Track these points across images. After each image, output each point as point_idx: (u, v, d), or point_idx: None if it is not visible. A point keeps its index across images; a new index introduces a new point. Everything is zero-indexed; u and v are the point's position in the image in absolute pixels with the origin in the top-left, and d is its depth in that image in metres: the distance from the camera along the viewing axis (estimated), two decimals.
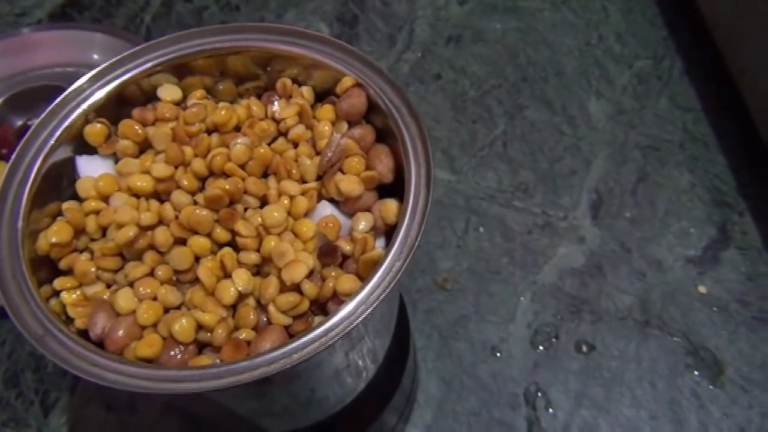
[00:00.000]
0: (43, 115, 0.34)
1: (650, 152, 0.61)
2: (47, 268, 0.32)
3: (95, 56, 0.66)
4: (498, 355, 0.52)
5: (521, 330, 0.53)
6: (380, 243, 0.33)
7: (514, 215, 0.58)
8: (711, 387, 0.50)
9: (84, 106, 0.34)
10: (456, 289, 0.55)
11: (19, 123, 0.62)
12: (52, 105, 0.34)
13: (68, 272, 0.32)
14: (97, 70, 0.35)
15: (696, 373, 0.50)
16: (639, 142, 0.61)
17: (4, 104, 0.61)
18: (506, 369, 0.51)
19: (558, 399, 0.50)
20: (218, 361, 0.29)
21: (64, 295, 0.31)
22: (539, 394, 0.50)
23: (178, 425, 0.49)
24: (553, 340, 0.52)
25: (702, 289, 0.54)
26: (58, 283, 0.31)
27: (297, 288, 0.30)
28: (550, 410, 0.49)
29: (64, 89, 0.60)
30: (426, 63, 0.68)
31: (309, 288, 0.30)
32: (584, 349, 0.52)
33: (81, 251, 0.33)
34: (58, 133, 0.34)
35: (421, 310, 0.54)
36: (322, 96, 0.37)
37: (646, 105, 0.64)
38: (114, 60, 0.35)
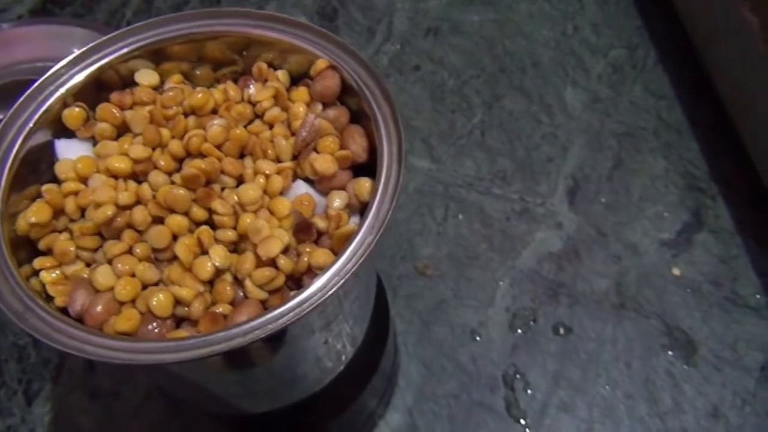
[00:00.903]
0: (21, 99, 0.34)
1: (625, 139, 0.62)
2: (27, 248, 0.33)
3: (76, 50, 0.66)
4: (477, 339, 0.53)
5: (500, 314, 0.53)
6: (354, 220, 0.34)
7: (493, 202, 0.59)
8: (685, 366, 0.51)
9: (62, 90, 0.35)
10: (436, 275, 0.55)
11: (1, 117, 0.62)
12: (30, 89, 0.35)
13: (48, 252, 0.33)
14: (75, 54, 0.36)
15: (670, 353, 0.51)
16: (614, 129, 0.63)
17: None
18: (486, 352, 0.52)
19: (536, 380, 0.51)
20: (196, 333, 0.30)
21: (43, 274, 0.32)
22: (518, 375, 0.51)
23: (161, 409, 0.50)
24: (531, 323, 0.53)
25: (676, 271, 0.55)
26: (37, 262, 0.32)
27: (273, 263, 0.31)
28: (529, 391, 0.50)
29: (43, 75, 0.61)
30: (405, 55, 0.69)
31: (284, 263, 0.31)
32: (561, 331, 0.53)
33: (60, 231, 0.33)
34: (36, 116, 0.34)
35: (402, 296, 0.54)
36: (297, 80, 0.38)
37: (620, 93, 0.65)
38: (92, 45, 0.36)
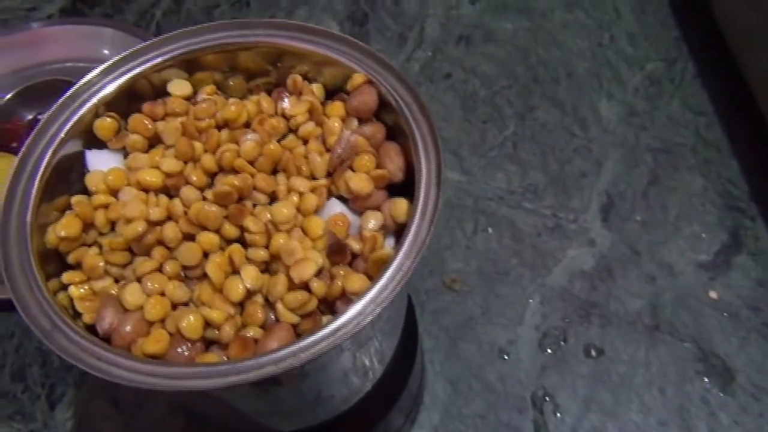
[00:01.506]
0: (53, 108, 0.34)
1: (662, 155, 0.60)
2: (55, 261, 0.32)
3: (105, 51, 0.66)
4: (506, 357, 0.51)
5: (529, 332, 0.52)
6: (389, 242, 0.33)
7: (524, 216, 0.58)
8: (721, 394, 0.49)
9: (94, 99, 0.34)
10: (464, 291, 0.54)
11: (29, 117, 0.62)
12: (63, 98, 0.34)
13: (76, 266, 0.32)
14: (108, 63, 0.35)
15: (706, 379, 0.50)
16: (650, 144, 0.61)
17: (15, 98, 0.61)
18: (514, 372, 0.51)
19: (566, 403, 0.49)
20: (225, 358, 0.29)
21: (72, 289, 0.31)
22: (547, 398, 0.49)
23: (183, 423, 0.49)
24: (562, 343, 0.52)
25: (713, 294, 0.53)
26: (66, 277, 0.31)
27: (305, 286, 0.30)
28: (558, 414, 0.49)
29: (75, 84, 0.61)
30: (436, 62, 0.67)
31: (317, 286, 0.30)
32: (593, 353, 0.51)
33: (89, 245, 0.32)
34: (68, 126, 0.34)
35: (429, 311, 0.53)
36: (332, 93, 0.37)
37: (657, 107, 0.63)
38: (125, 54, 0.35)
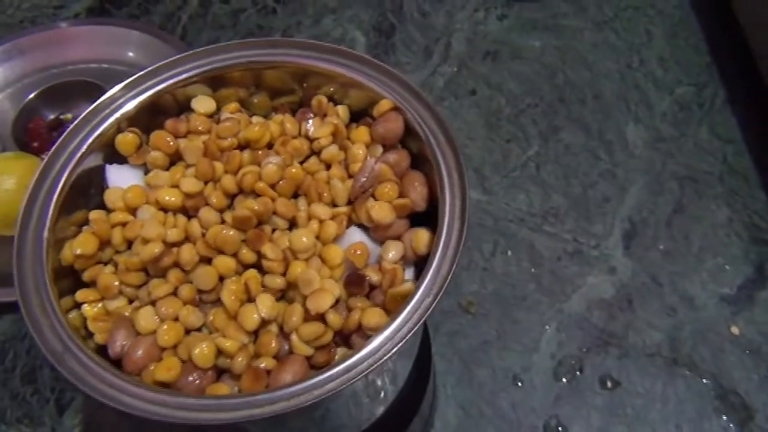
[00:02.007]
0: (75, 122, 0.33)
1: (688, 183, 0.59)
2: (70, 278, 0.32)
3: (130, 54, 0.66)
4: (519, 384, 0.50)
5: (545, 360, 0.51)
6: (409, 273, 0.32)
7: (544, 240, 0.57)
8: None
9: (117, 114, 0.34)
10: (480, 313, 0.53)
11: (51, 117, 0.62)
12: (85, 113, 0.34)
13: (91, 284, 0.32)
14: (132, 78, 0.35)
15: (724, 417, 0.49)
16: (677, 172, 0.60)
17: (38, 97, 0.61)
18: (527, 399, 0.50)
19: None
20: (237, 389, 0.28)
21: (85, 308, 0.31)
22: (560, 428, 0.49)
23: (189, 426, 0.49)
24: (577, 373, 0.51)
25: (735, 330, 0.52)
26: (80, 295, 0.31)
27: (321, 318, 0.29)
28: None
29: (98, 85, 0.61)
30: (461, 78, 0.67)
31: (334, 319, 0.29)
32: (609, 384, 0.50)
33: (105, 263, 0.32)
34: (89, 141, 0.33)
35: (444, 333, 0.53)
36: (357, 116, 0.36)
37: (686, 133, 0.62)
38: (150, 69, 0.35)
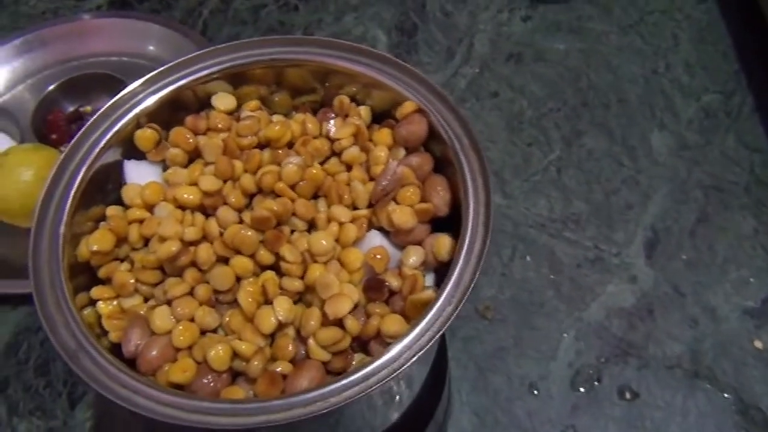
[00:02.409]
0: (95, 117, 0.33)
1: (713, 192, 0.58)
2: (85, 274, 0.31)
3: (151, 48, 0.66)
4: (536, 393, 0.50)
5: (562, 369, 0.50)
6: (429, 279, 0.31)
7: (564, 247, 0.56)
8: None
9: (137, 110, 0.33)
10: (497, 319, 0.53)
11: (71, 109, 0.62)
12: (105, 107, 0.33)
13: (106, 281, 0.31)
14: (153, 73, 0.34)
15: None
16: (702, 180, 0.59)
17: (58, 89, 0.61)
18: (543, 409, 0.49)
19: None
20: (251, 393, 0.28)
21: (100, 305, 0.30)
22: None
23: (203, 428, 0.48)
24: (595, 383, 0.50)
25: (758, 344, 0.51)
26: (95, 292, 0.30)
27: (339, 323, 0.29)
28: None
29: (118, 79, 0.60)
30: (483, 79, 0.66)
31: (352, 324, 0.28)
32: (627, 395, 0.49)
33: (121, 260, 0.32)
34: (108, 135, 0.33)
35: (459, 338, 0.52)
36: (379, 117, 0.36)
37: (712, 141, 0.61)
38: (171, 64, 0.34)
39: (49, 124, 0.60)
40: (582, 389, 0.50)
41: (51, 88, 0.61)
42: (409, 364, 0.26)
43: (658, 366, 0.50)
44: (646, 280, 0.54)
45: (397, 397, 0.39)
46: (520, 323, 0.52)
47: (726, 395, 0.49)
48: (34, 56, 0.65)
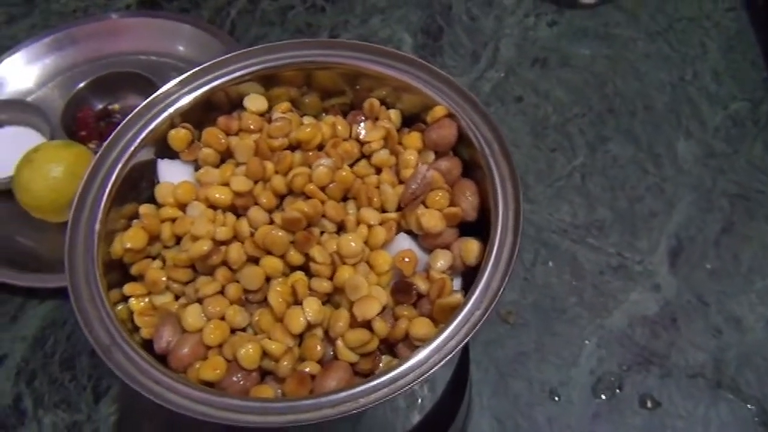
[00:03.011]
0: (129, 116, 0.34)
1: (739, 201, 0.57)
2: (118, 271, 0.32)
3: (180, 47, 0.67)
4: (556, 399, 0.50)
5: (583, 376, 0.50)
6: (457, 283, 0.32)
7: (587, 253, 0.56)
8: None
9: (171, 110, 0.34)
10: (519, 324, 0.53)
11: (100, 107, 0.63)
12: (140, 107, 0.34)
13: (138, 278, 0.32)
14: (187, 74, 0.35)
15: None
16: (727, 189, 0.58)
17: (87, 87, 0.62)
18: (564, 415, 0.49)
19: None
20: (280, 392, 0.28)
21: (132, 302, 0.31)
22: None
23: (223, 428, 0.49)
24: (617, 390, 0.50)
25: None
26: (128, 288, 0.31)
27: (368, 325, 0.29)
28: None
29: (146, 77, 0.61)
30: (508, 84, 0.66)
31: (380, 326, 0.29)
32: (649, 404, 0.49)
33: (153, 258, 0.32)
34: (143, 135, 0.33)
35: (481, 342, 0.52)
36: (409, 120, 0.36)
37: (739, 150, 0.60)
38: (204, 66, 0.35)
39: (78, 121, 0.61)
40: (603, 396, 0.49)
41: (81, 85, 0.62)
42: (436, 368, 0.26)
43: (680, 375, 0.50)
44: (669, 288, 0.54)
45: (419, 400, 0.40)
46: (541, 329, 0.52)
47: (749, 406, 0.49)
48: (64, 54, 0.66)
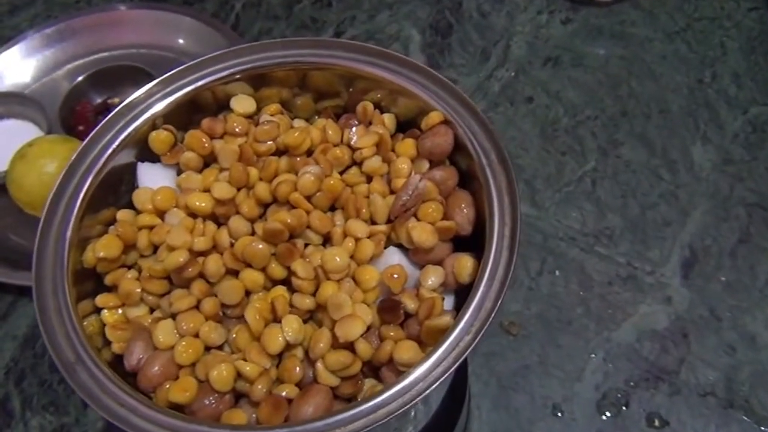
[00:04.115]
0: (110, 115, 0.32)
1: (756, 211, 0.55)
2: (91, 280, 0.30)
3: (181, 41, 0.65)
4: (559, 415, 0.48)
5: (588, 391, 0.48)
6: (449, 302, 0.30)
7: (595, 262, 0.53)
8: None
9: (153, 110, 0.32)
10: (522, 335, 0.51)
11: (98, 101, 0.62)
12: (120, 106, 0.32)
13: (112, 288, 0.30)
14: (171, 73, 0.33)
15: None
16: (745, 198, 0.56)
17: (86, 80, 0.61)
18: None
19: None
20: (254, 417, 0.26)
21: (105, 314, 0.29)
22: None
23: None
24: (623, 408, 0.47)
25: None
26: (100, 300, 0.29)
27: (350, 346, 0.27)
28: None
29: (146, 71, 0.60)
30: (519, 83, 0.63)
31: (363, 348, 0.27)
32: (656, 423, 0.47)
33: (129, 267, 0.31)
34: (123, 136, 0.32)
35: (481, 353, 0.50)
36: (404, 126, 0.34)
37: (757, 157, 0.58)
38: (190, 64, 0.33)
39: (76, 115, 0.60)
40: (608, 414, 0.47)
41: (80, 79, 0.60)
42: (421, 396, 0.24)
43: (690, 393, 0.48)
44: (681, 301, 0.51)
45: (413, 413, 0.38)
46: (545, 341, 0.50)
47: (763, 428, 0.46)
48: (64, 46, 0.65)
